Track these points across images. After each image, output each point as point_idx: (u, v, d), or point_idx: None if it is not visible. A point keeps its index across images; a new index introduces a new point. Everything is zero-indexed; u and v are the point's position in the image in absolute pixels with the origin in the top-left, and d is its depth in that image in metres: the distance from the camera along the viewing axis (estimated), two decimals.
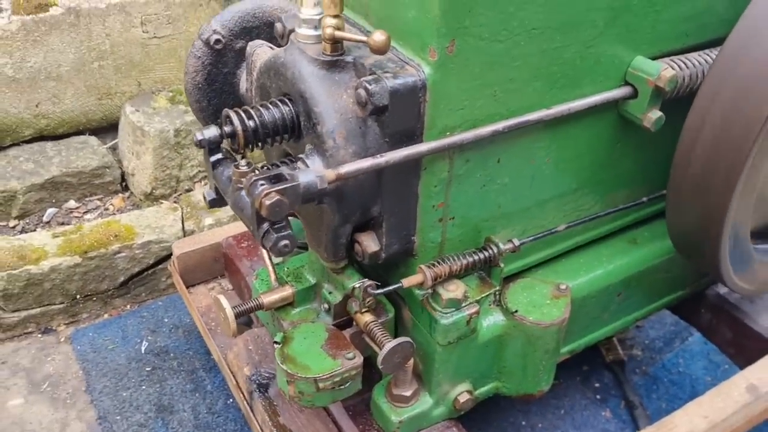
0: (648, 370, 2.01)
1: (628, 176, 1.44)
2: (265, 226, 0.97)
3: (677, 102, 1.27)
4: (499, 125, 1.11)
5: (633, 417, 1.85)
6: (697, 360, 2.04)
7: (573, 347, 1.52)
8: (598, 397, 1.92)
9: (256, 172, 1.01)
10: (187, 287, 1.89)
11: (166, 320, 2.13)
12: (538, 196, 1.32)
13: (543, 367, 1.38)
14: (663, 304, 1.66)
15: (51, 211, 2.27)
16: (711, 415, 1.43)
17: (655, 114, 1.25)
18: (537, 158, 1.26)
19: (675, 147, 1.26)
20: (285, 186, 0.93)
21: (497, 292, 1.33)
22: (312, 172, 0.97)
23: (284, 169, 0.96)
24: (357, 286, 1.18)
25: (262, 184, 0.92)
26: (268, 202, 0.91)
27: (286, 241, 0.97)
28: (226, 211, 2.25)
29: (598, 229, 1.49)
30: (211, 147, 1.10)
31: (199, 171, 2.37)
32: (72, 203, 2.31)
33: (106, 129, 2.48)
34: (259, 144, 1.12)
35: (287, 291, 1.30)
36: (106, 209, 2.33)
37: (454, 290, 1.23)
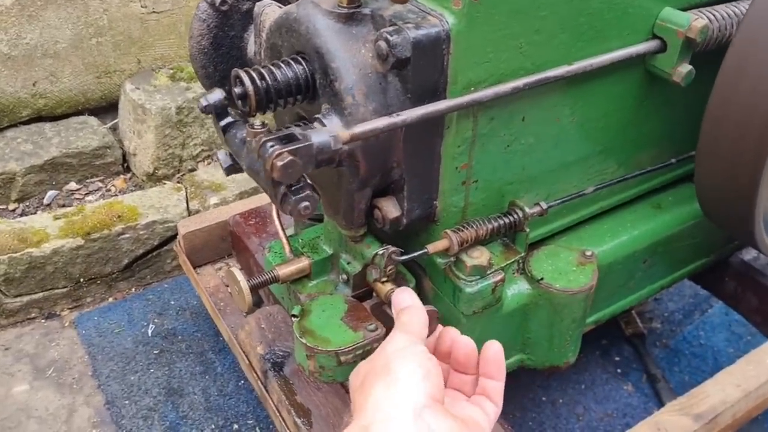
0: (668, 342, 1.96)
1: (654, 137, 1.38)
2: (283, 188, 0.91)
3: (705, 57, 1.21)
4: (526, 80, 1.05)
5: (655, 390, 1.81)
6: (718, 332, 1.99)
7: (598, 317, 1.47)
8: (618, 371, 1.87)
9: (271, 132, 0.95)
10: (194, 267, 1.83)
11: (172, 303, 2.08)
12: (563, 157, 1.26)
13: (570, 337, 1.32)
14: (688, 271, 1.60)
15: (51, 193, 2.21)
16: (743, 383, 1.39)
17: (685, 68, 1.18)
18: (562, 117, 1.20)
19: (702, 105, 1.20)
20: (297, 146, 0.87)
21: (521, 260, 1.27)
22: (325, 131, 0.91)
23: (296, 129, 0.90)
24: (380, 252, 1.12)
25: (272, 145, 0.86)
26: (279, 164, 0.85)
27: (306, 203, 0.91)
28: (231, 190, 2.20)
29: (622, 193, 1.43)
30: (218, 111, 1.03)
31: (203, 150, 2.31)
32: (73, 185, 2.24)
33: (106, 108, 2.41)
34: (272, 106, 1.06)
35: (303, 262, 1.24)
36: (108, 191, 2.27)
37: (478, 257, 1.18)
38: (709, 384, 1.39)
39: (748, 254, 1.73)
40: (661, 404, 1.76)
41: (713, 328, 2.00)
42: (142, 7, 2.28)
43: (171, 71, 2.34)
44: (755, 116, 1.14)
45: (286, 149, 0.88)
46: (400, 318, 0.91)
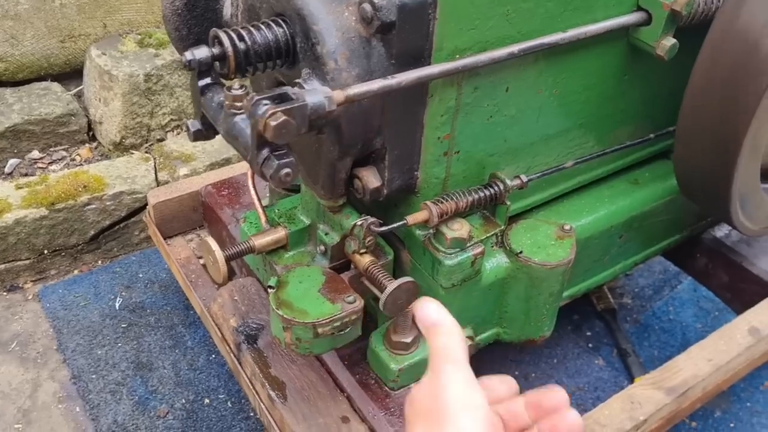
0: (639, 318, 1.99)
1: (633, 111, 1.38)
2: (266, 152, 0.87)
3: (688, 31, 1.21)
4: (512, 48, 1.03)
5: (626, 365, 1.83)
6: (687, 307, 2.02)
7: (573, 292, 1.47)
8: (590, 345, 1.89)
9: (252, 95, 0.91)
10: (164, 239, 1.78)
11: (140, 275, 2.03)
12: (545, 130, 1.25)
13: (546, 311, 1.33)
14: (661, 247, 1.62)
15: (13, 161, 2.13)
16: (715, 358, 1.41)
17: (669, 41, 1.18)
18: (545, 88, 1.18)
19: (684, 80, 1.20)
20: (292, 106, 0.84)
21: (500, 233, 1.27)
22: (320, 92, 0.88)
23: (288, 89, 0.87)
24: (359, 223, 1.10)
25: (266, 104, 0.83)
26: (273, 123, 0.82)
27: (288, 169, 0.88)
28: (202, 161, 2.15)
29: (600, 168, 1.43)
30: (201, 69, 0.99)
31: (171, 119, 2.24)
32: (35, 153, 2.16)
33: (70, 75, 2.32)
34: (250, 69, 1.02)
35: (280, 233, 1.21)
36: (73, 160, 2.19)
37: (458, 229, 1.16)
38: (682, 358, 1.41)
39: (720, 231, 1.76)
40: (631, 378, 1.78)
41: (682, 304, 2.03)
42: None
43: (139, 37, 2.26)
44: (737, 94, 1.14)
45: (280, 109, 0.85)
46: (436, 341, 0.75)
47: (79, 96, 2.32)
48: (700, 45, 1.17)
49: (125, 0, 2.27)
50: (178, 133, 2.25)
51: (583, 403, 1.72)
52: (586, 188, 1.45)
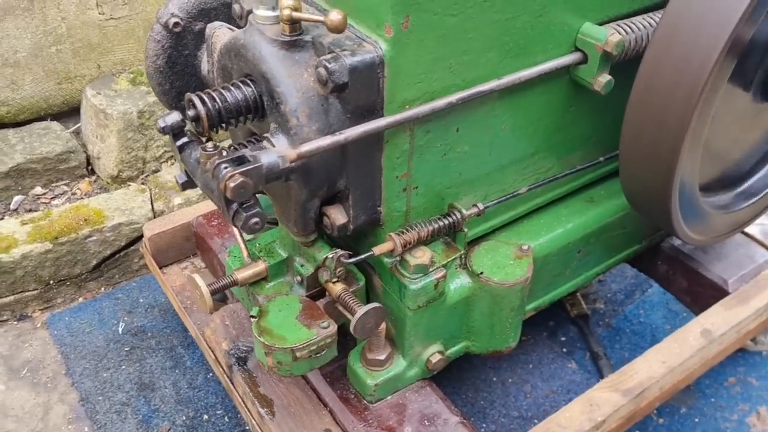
0: (611, 322, 2.10)
1: (582, 138, 1.49)
2: (235, 206, 1.00)
3: (626, 64, 1.32)
4: (456, 96, 1.15)
5: (598, 367, 1.94)
6: (656, 310, 2.14)
7: (538, 304, 1.59)
8: (564, 350, 2.01)
9: (223, 153, 1.04)
10: (160, 267, 1.91)
11: (141, 300, 2.16)
12: (498, 161, 1.37)
13: (509, 325, 1.44)
14: (621, 258, 1.73)
15: (18, 198, 2.26)
16: (669, 360, 1.52)
17: (605, 78, 1.30)
18: (494, 126, 1.30)
19: (625, 108, 1.32)
20: (248, 168, 0.96)
21: (462, 256, 1.39)
22: (274, 152, 1.00)
23: (246, 151, 1.00)
24: (330, 256, 1.22)
25: (225, 167, 0.96)
26: (232, 185, 0.95)
27: (256, 219, 1.00)
28: (195, 190, 2.27)
29: (556, 189, 1.55)
30: (174, 132, 1.12)
31: (165, 151, 2.37)
32: (38, 190, 2.30)
33: (68, 113, 2.46)
34: (224, 126, 1.15)
35: (260, 266, 1.34)
36: (74, 194, 2.33)
37: (421, 256, 1.28)
38: (638, 361, 1.52)
39: (678, 240, 1.87)
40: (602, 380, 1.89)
41: (652, 307, 2.15)
42: (99, 14, 2.33)
43: (131, 75, 2.40)
44: (668, 119, 1.26)
45: (237, 171, 0.98)
46: None
47: (77, 133, 2.45)
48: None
49: (117, 41, 2.41)
50: (172, 164, 2.38)
51: (556, 405, 1.83)
52: (544, 208, 1.57)
